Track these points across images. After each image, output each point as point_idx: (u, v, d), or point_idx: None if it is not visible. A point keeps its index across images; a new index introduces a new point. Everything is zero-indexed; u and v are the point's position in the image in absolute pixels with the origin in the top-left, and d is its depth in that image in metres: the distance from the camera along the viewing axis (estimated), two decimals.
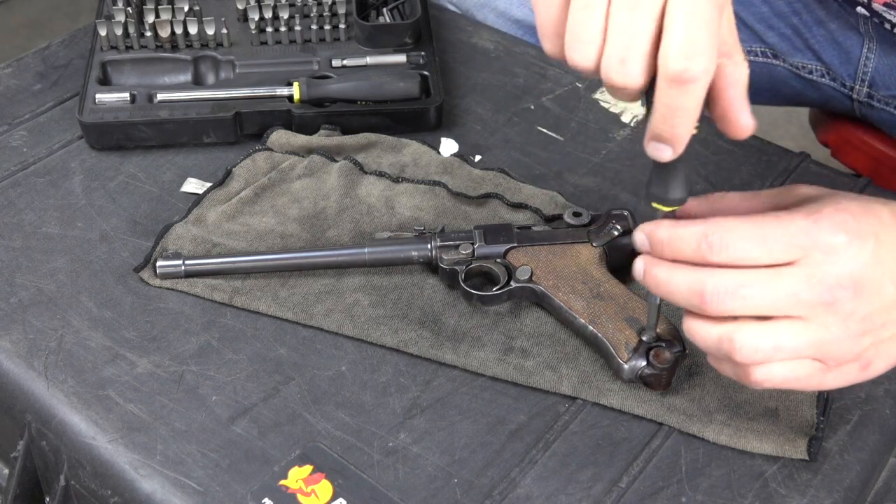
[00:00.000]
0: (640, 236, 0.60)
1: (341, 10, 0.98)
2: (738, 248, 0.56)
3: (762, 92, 1.13)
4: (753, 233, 0.56)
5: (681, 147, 0.55)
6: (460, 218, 0.81)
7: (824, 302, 0.56)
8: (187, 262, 0.76)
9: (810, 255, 0.56)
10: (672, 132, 0.54)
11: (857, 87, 1.05)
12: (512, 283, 0.73)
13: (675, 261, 0.58)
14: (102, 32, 0.95)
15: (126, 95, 0.90)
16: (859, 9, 0.98)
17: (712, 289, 0.56)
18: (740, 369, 0.59)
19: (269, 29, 0.97)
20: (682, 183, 0.58)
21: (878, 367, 0.60)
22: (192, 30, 0.95)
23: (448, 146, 0.90)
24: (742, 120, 0.57)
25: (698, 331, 0.59)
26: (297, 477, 0.64)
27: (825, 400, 0.67)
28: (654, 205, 0.59)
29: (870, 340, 0.58)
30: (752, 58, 1.09)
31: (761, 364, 0.58)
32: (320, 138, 0.88)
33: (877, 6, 0.94)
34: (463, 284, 0.74)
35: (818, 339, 0.57)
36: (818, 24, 1.05)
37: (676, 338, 0.68)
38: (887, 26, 0.96)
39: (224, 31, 0.96)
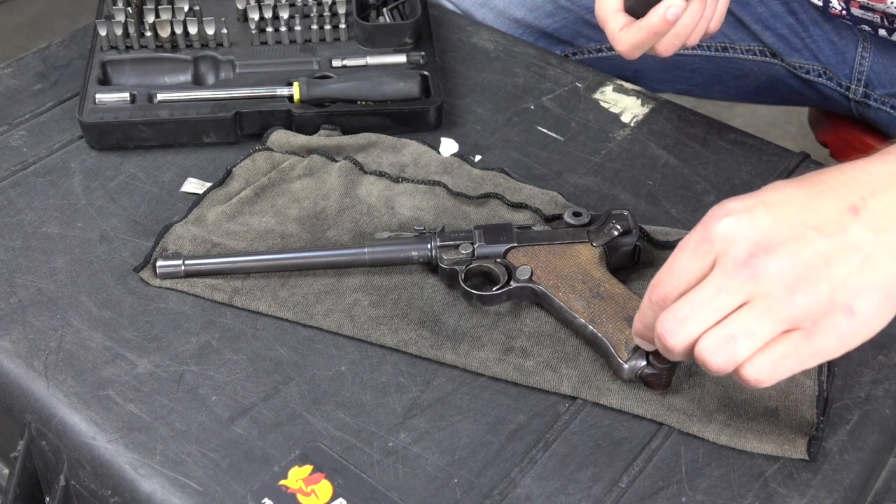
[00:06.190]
0: (637, 339, 0.65)
1: (341, 10, 0.98)
2: (665, 285, 0.59)
3: (761, 91, 1.13)
4: (668, 267, 0.59)
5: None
6: (460, 218, 0.81)
7: (744, 277, 0.56)
8: (187, 262, 0.76)
9: (715, 253, 0.57)
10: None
11: (854, 86, 1.05)
12: (512, 282, 0.74)
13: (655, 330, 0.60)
14: (102, 32, 0.95)
15: (126, 95, 0.90)
16: (843, 11, 0.98)
17: (660, 332, 0.58)
18: (735, 374, 0.58)
19: (269, 29, 0.97)
20: None
21: (864, 307, 0.56)
22: (192, 30, 0.95)
23: (448, 146, 0.90)
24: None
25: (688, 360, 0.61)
26: (297, 477, 0.64)
27: (825, 400, 0.67)
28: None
29: (825, 286, 0.55)
30: (750, 57, 1.10)
31: (740, 365, 0.56)
32: (320, 138, 0.88)
33: (855, 11, 0.95)
34: (463, 284, 0.74)
35: (765, 307, 0.56)
36: (814, 23, 1.05)
37: None
38: (866, 27, 0.96)
39: (224, 31, 0.96)
